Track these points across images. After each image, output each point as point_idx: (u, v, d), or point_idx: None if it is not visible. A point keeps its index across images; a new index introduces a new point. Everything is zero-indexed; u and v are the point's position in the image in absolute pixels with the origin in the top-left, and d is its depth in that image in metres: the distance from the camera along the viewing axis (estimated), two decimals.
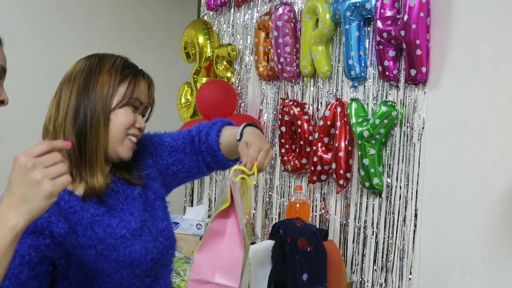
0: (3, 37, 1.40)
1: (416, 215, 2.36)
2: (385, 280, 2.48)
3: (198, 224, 3.33)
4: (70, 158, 1.37)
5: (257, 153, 1.38)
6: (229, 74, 3.63)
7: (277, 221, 3.10)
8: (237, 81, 3.60)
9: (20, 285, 1.23)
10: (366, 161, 2.49)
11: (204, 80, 3.77)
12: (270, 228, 2.51)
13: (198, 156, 1.62)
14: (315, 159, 2.78)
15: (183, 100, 3.96)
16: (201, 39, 3.73)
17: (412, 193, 2.38)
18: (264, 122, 3.36)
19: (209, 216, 3.66)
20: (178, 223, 3.32)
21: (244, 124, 1.58)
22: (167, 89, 4.85)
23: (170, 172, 1.62)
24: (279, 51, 3.01)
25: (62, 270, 1.32)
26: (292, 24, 2.95)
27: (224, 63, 3.64)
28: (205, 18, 3.94)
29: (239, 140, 1.52)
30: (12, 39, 1.52)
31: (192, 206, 4.02)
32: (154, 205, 1.54)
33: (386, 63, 2.42)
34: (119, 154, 1.43)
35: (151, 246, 1.45)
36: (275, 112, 3.27)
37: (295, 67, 3.00)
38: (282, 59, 3.01)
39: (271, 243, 2.28)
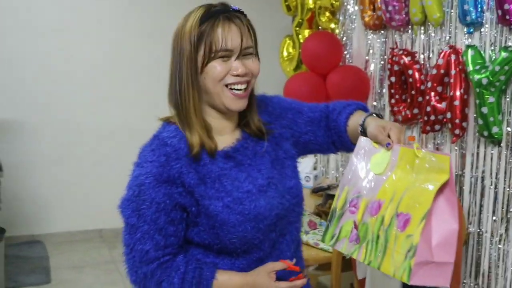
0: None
1: None
2: (506, 231, 2.44)
3: (307, 176, 3.37)
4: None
5: (400, 135, 1.36)
6: (332, 25, 3.59)
7: None
8: (342, 32, 3.56)
9: (158, 230, 1.35)
10: (484, 110, 2.42)
11: (306, 32, 3.75)
12: None
13: (328, 132, 1.62)
14: (428, 109, 2.73)
15: (285, 54, 3.96)
16: None
17: None
18: (371, 73, 3.31)
19: (315, 168, 3.69)
20: None
21: (368, 113, 1.54)
22: (267, 43, 4.86)
23: (302, 141, 1.61)
24: None
25: (193, 217, 1.40)
26: None
27: (327, 14, 3.60)
28: None
29: (361, 125, 1.47)
30: None
31: None
32: (284, 163, 1.54)
33: (506, 6, 2.31)
34: (226, 106, 1.41)
35: (277, 202, 1.47)
36: (382, 63, 3.22)
37: (404, 15, 2.92)
38: (390, 7, 2.94)
39: None
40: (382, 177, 1.39)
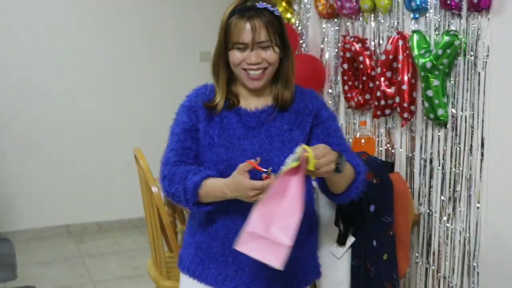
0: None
1: (483, 144, 2.36)
2: (453, 210, 2.51)
3: None
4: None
5: (324, 158, 1.63)
6: (288, 15, 3.64)
7: None
8: (297, 22, 3.61)
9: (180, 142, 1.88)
10: (430, 93, 2.49)
11: None
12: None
13: None
14: (378, 94, 2.79)
15: None
16: None
17: (478, 122, 2.37)
18: (326, 61, 3.37)
19: None
20: None
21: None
22: None
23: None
24: None
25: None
26: None
27: (284, 4, 3.65)
28: None
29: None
30: None
31: None
32: (283, 143, 1.86)
33: None
34: (244, 83, 1.85)
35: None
36: (336, 50, 3.28)
37: (354, 3, 2.98)
38: None
39: None
40: None
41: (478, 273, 2.41)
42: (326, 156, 1.64)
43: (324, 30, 3.36)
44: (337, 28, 3.24)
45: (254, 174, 1.66)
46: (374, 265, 2.27)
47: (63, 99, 4.67)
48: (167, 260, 2.77)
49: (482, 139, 2.36)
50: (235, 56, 1.78)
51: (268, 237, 1.53)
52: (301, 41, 3.57)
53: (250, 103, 1.89)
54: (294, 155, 1.58)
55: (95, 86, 4.77)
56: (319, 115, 1.92)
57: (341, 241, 2.23)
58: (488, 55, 2.31)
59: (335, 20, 3.25)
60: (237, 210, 1.79)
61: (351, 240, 2.25)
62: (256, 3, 1.78)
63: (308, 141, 1.90)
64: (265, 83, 1.85)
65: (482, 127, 2.36)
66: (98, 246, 4.57)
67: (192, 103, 1.88)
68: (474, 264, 2.42)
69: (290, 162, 1.57)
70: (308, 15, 3.50)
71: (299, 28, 3.59)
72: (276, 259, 1.52)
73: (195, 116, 1.86)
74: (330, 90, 3.36)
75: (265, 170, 1.62)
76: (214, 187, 1.75)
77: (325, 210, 2.24)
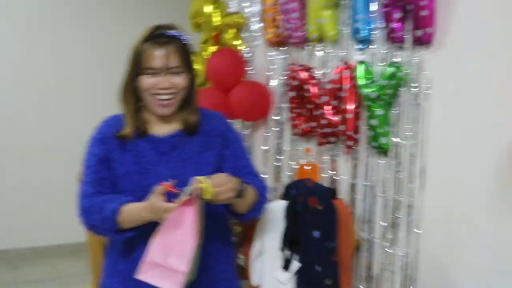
0: None
1: (423, 173, 2.43)
2: (394, 236, 2.57)
3: None
4: None
5: (225, 187, 1.73)
6: (237, 42, 3.68)
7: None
8: (246, 49, 3.65)
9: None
10: (374, 122, 2.56)
11: (212, 49, 3.82)
12: (284, 190, 2.59)
13: None
14: (324, 121, 2.85)
15: None
16: (208, 9, 3.76)
17: (419, 151, 2.45)
18: (273, 88, 3.42)
19: None
20: None
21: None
22: None
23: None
24: (286, 17, 3.06)
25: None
26: None
27: (231, 31, 3.68)
28: None
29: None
30: None
31: None
32: (199, 165, 1.93)
33: (392, 24, 2.48)
34: (153, 109, 1.89)
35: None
36: (283, 78, 3.33)
37: (302, 32, 3.05)
38: (289, 25, 3.07)
39: (283, 203, 2.36)
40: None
41: None
42: (226, 184, 1.73)
43: (271, 58, 3.41)
44: (285, 56, 3.30)
45: (170, 196, 1.71)
46: None
47: (2, 114, 4.55)
48: None
49: (423, 168, 2.44)
50: (146, 81, 1.84)
51: (165, 265, 1.67)
52: (248, 68, 3.61)
53: (159, 129, 1.94)
54: (188, 187, 1.67)
55: (38, 103, 4.68)
56: (227, 137, 2.01)
57: (286, 267, 2.25)
58: (429, 87, 2.40)
59: (283, 48, 3.31)
60: None
61: (295, 265, 2.27)
62: (168, 31, 1.88)
63: (220, 163, 1.98)
64: (174, 110, 1.91)
65: (423, 156, 2.44)
66: (35, 272, 4.43)
67: (102, 135, 1.93)
68: None
69: (185, 194, 1.67)
70: (256, 43, 3.55)
71: (247, 55, 3.63)
72: (173, 284, 1.66)
73: (106, 147, 1.90)
74: (276, 117, 3.40)
75: (178, 191, 1.68)
76: (132, 212, 1.78)
77: (270, 235, 2.26)
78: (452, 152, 2.34)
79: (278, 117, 3.40)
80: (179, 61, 1.85)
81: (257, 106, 3.40)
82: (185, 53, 1.88)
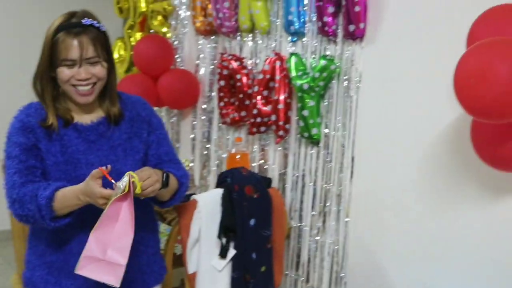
0: None
1: (353, 162, 2.53)
2: (323, 223, 2.66)
3: None
4: None
5: (149, 180, 1.74)
6: (164, 29, 3.65)
7: (218, 172, 3.20)
8: (173, 36, 3.63)
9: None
10: (305, 113, 2.63)
11: (138, 35, 3.78)
12: (217, 178, 2.61)
13: None
14: (254, 111, 2.89)
15: (116, 56, 3.95)
16: None
17: (349, 142, 2.54)
18: (201, 77, 3.43)
19: None
20: None
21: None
22: None
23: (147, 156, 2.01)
24: (218, 6, 3.08)
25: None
26: None
27: (160, 18, 3.66)
28: None
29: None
30: None
31: None
32: (126, 152, 1.93)
33: (325, 19, 2.54)
34: (74, 99, 1.84)
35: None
36: (212, 67, 3.34)
37: (233, 22, 3.07)
38: (221, 14, 3.08)
39: (219, 191, 2.38)
40: None
41: (345, 283, 2.57)
42: (151, 177, 1.74)
43: (200, 47, 3.41)
44: (214, 45, 3.31)
45: (105, 183, 1.69)
46: (253, 277, 2.35)
47: None
48: None
49: (352, 158, 2.53)
50: (64, 73, 1.78)
51: (105, 259, 1.68)
52: (176, 56, 3.60)
53: (83, 118, 1.90)
54: (122, 181, 1.67)
55: None
56: (151, 122, 2.01)
57: (222, 254, 2.28)
58: (360, 80, 2.50)
59: (212, 37, 3.32)
60: (90, 225, 1.73)
61: (232, 253, 2.31)
62: (82, 20, 1.80)
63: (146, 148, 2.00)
64: (94, 97, 1.87)
65: (353, 146, 2.53)
66: None
67: (26, 124, 1.84)
68: (342, 274, 2.57)
69: (120, 188, 1.67)
70: (184, 31, 3.54)
71: (175, 43, 3.61)
72: (113, 278, 1.68)
73: (33, 135, 1.83)
74: (204, 106, 3.41)
75: (113, 181, 1.67)
76: (67, 197, 1.72)
77: (208, 224, 2.28)
78: (380, 143, 2.44)
79: (206, 106, 3.41)
80: (96, 50, 1.79)
81: (186, 94, 3.40)
82: (102, 42, 1.81)
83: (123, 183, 1.66)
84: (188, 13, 3.50)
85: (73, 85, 1.79)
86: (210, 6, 3.21)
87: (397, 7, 2.36)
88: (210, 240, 2.28)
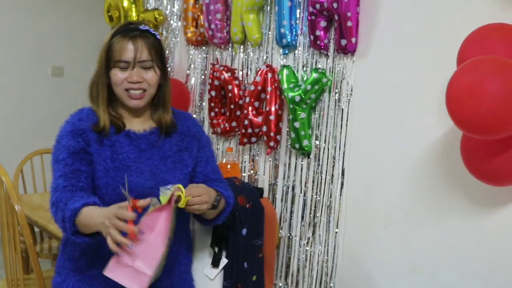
0: None
1: (343, 174, 2.57)
2: (313, 234, 2.70)
3: None
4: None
5: (198, 198, 1.75)
6: None
7: None
8: (164, 46, 3.65)
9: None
10: (297, 124, 2.67)
11: None
12: None
13: None
14: (246, 122, 2.93)
15: None
16: (125, 3, 3.73)
17: (339, 154, 2.59)
18: (192, 86, 3.45)
19: None
20: None
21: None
22: (87, 50, 4.82)
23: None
24: (210, 17, 3.11)
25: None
26: None
27: (150, 27, 3.67)
28: None
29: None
30: None
31: None
32: (175, 165, 1.95)
33: (317, 32, 2.59)
34: (125, 102, 1.87)
35: (147, 186, 1.87)
36: (203, 77, 3.37)
37: (225, 34, 3.11)
38: (213, 25, 3.12)
39: None
40: None
41: None
42: (201, 196, 1.75)
43: (191, 57, 3.44)
44: (205, 55, 3.34)
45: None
46: (244, 286, 2.36)
47: None
48: (25, 282, 2.65)
49: (343, 170, 2.58)
50: (117, 75, 1.83)
51: (133, 266, 1.69)
52: (167, 66, 3.62)
53: (134, 126, 1.93)
54: (166, 192, 1.70)
55: None
56: (201, 139, 2.03)
57: (214, 263, 2.30)
58: (351, 93, 2.55)
59: (204, 48, 3.35)
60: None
61: (224, 262, 2.33)
62: (139, 25, 1.88)
63: (195, 164, 2.00)
64: (145, 104, 1.90)
65: (343, 158, 2.58)
66: None
67: (78, 127, 1.86)
68: (331, 285, 2.61)
69: (162, 198, 1.69)
70: (175, 41, 3.57)
71: (166, 52, 3.62)
72: (138, 285, 1.70)
73: (83, 139, 1.84)
74: (194, 116, 3.44)
75: (142, 211, 1.64)
76: (92, 215, 1.66)
77: (201, 233, 2.30)
78: (371, 155, 2.49)
79: (196, 116, 3.44)
80: (150, 55, 1.84)
81: (176, 104, 3.38)
82: (157, 48, 1.88)
83: (168, 192, 1.68)
84: (179, 23, 3.53)
85: (126, 89, 1.84)
86: (201, 17, 3.24)
87: (388, 23, 2.42)
88: (203, 249, 2.30)
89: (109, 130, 1.86)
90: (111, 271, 1.69)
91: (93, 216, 1.65)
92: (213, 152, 2.12)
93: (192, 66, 3.45)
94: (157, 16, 3.58)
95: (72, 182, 1.78)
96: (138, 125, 1.93)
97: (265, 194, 2.94)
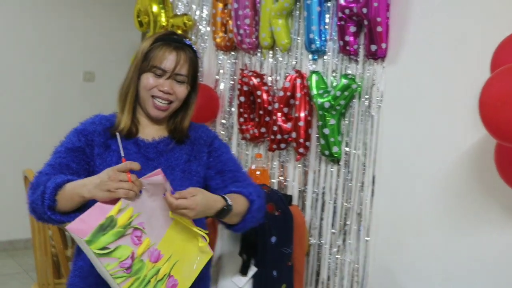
0: None
1: (373, 181, 2.53)
2: (343, 242, 2.66)
3: None
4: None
5: (186, 208, 1.63)
6: None
7: None
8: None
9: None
10: (326, 131, 2.64)
11: None
12: None
13: None
14: (275, 128, 2.91)
15: None
16: (155, 8, 3.75)
17: (369, 160, 2.55)
18: (221, 92, 3.45)
19: None
20: None
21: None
22: (118, 56, 4.88)
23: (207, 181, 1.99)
24: (238, 22, 3.10)
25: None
26: None
27: (180, 32, 3.68)
28: None
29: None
30: None
31: None
32: (185, 175, 1.90)
33: (347, 38, 2.56)
34: (147, 110, 1.86)
35: None
36: (232, 82, 3.36)
37: (254, 39, 3.09)
38: (241, 31, 3.10)
39: None
40: (166, 223, 1.66)
41: None
42: (188, 204, 1.63)
43: (220, 62, 3.44)
44: (234, 61, 3.34)
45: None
46: None
47: None
48: (55, 287, 2.68)
49: (373, 177, 2.54)
50: (148, 80, 1.81)
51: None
52: None
53: (147, 133, 1.91)
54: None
55: None
56: (213, 144, 2.00)
57: (243, 271, 2.29)
58: (381, 100, 2.51)
59: (232, 53, 3.34)
60: None
61: (253, 270, 2.32)
62: (184, 38, 1.87)
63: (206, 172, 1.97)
64: (167, 115, 1.89)
65: (374, 165, 2.54)
66: None
67: (87, 127, 1.86)
68: None
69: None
70: (204, 46, 3.57)
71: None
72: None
73: (86, 139, 1.83)
74: (223, 121, 3.43)
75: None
76: (79, 185, 1.61)
77: (230, 241, 2.30)
78: (402, 163, 2.45)
79: (225, 121, 3.43)
80: (188, 70, 1.84)
81: (205, 109, 3.41)
82: (195, 65, 1.88)
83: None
84: (208, 28, 3.52)
85: (153, 95, 1.82)
86: (230, 22, 3.23)
87: (419, 28, 2.37)
88: (232, 257, 2.30)
89: (124, 133, 1.84)
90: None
91: (85, 183, 1.59)
92: (232, 156, 2.05)
93: (221, 71, 3.44)
94: (186, 21, 3.59)
95: (55, 173, 1.74)
96: (150, 133, 1.91)
97: (295, 201, 2.92)
